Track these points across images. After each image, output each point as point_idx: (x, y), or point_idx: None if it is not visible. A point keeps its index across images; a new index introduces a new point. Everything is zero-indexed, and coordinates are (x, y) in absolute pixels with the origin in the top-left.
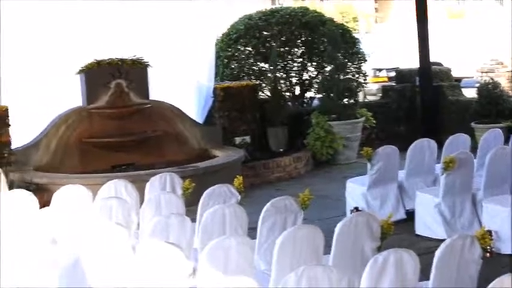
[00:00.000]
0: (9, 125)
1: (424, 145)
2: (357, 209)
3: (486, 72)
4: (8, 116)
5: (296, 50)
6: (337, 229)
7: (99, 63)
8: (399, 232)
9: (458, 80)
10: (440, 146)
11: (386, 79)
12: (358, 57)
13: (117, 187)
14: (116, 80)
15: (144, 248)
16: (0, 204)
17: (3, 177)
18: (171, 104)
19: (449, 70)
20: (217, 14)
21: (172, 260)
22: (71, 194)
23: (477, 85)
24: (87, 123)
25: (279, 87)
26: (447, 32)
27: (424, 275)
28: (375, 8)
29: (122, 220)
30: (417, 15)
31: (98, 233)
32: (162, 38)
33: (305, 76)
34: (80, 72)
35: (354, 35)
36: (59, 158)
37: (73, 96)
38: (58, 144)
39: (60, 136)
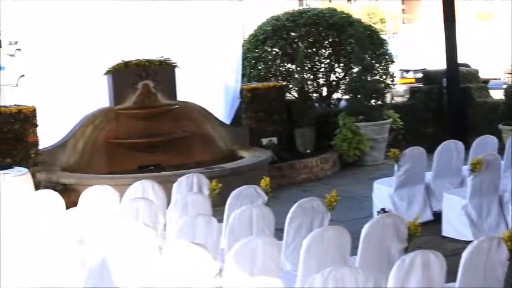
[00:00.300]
0: (37, 125)
1: (451, 147)
2: (383, 210)
3: None
4: (35, 117)
5: (323, 51)
6: (364, 230)
7: (126, 64)
8: (426, 233)
9: (486, 81)
10: (467, 147)
11: (413, 80)
12: (386, 58)
13: (144, 188)
14: (143, 81)
15: (170, 249)
16: (28, 205)
17: (30, 177)
18: (198, 105)
19: (476, 71)
20: (244, 15)
21: (199, 260)
22: (98, 194)
23: (504, 86)
24: (114, 123)
25: (306, 88)
26: (475, 33)
27: (451, 276)
28: (403, 9)
29: (149, 221)
30: (445, 16)
31: (124, 233)
32: (189, 38)
33: (332, 77)
34: (108, 73)
35: (381, 36)
36: (86, 158)
37: (100, 97)
38: (85, 144)
39: (88, 136)
